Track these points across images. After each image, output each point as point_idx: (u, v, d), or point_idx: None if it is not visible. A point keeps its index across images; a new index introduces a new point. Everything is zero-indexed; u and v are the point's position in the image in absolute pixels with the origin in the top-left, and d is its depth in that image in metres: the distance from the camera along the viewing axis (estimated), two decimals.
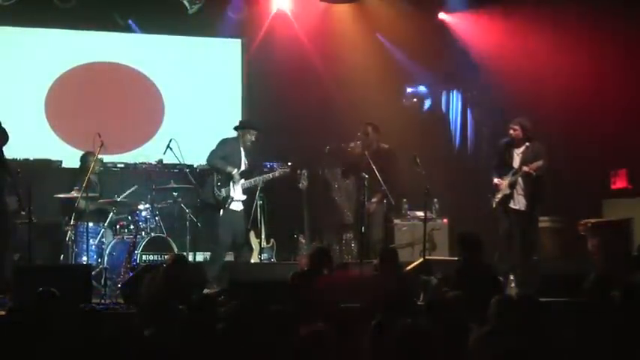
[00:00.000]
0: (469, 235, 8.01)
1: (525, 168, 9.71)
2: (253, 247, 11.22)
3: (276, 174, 10.29)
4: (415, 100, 12.35)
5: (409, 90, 12.12)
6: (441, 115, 12.46)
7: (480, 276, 7.35)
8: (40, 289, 5.98)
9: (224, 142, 10.16)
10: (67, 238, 10.14)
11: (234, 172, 9.98)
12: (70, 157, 11.51)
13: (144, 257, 9.95)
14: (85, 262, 9.93)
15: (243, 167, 10.11)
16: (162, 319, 5.55)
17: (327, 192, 12.05)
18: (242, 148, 10.12)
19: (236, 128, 10.27)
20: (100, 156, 10.44)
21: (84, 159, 10.79)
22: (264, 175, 10.22)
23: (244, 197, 10.12)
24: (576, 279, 6.94)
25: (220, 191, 9.98)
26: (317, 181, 11.87)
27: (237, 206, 10.10)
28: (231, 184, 9.98)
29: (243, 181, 10.05)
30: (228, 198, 9.97)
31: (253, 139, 10.11)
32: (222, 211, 10.01)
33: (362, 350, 4.80)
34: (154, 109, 12.41)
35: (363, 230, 10.45)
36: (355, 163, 10.92)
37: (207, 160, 10.22)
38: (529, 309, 5.42)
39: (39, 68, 12.15)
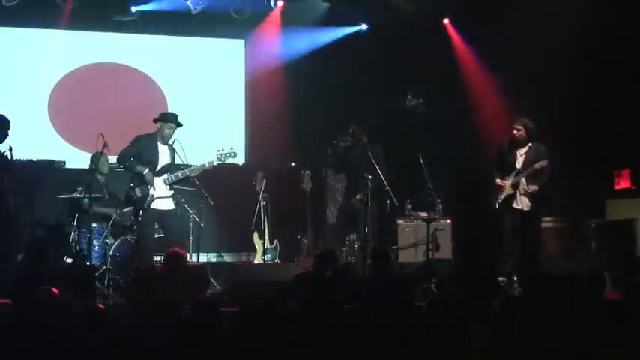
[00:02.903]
0: (466, 239, 8.08)
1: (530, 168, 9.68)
2: (257, 247, 11.24)
3: (215, 163, 9.77)
4: (419, 100, 12.34)
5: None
6: (444, 114, 12.44)
7: (478, 277, 7.38)
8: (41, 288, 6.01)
9: (137, 140, 9.76)
10: (71, 239, 10.15)
11: (144, 172, 9.57)
12: (74, 158, 11.54)
13: None
14: (88, 263, 9.94)
15: (164, 163, 9.71)
16: (163, 319, 5.57)
17: (329, 192, 12.07)
18: (160, 143, 9.75)
19: (154, 121, 9.89)
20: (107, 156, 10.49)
21: (93, 159, 10.79)
22: (194, 166, 9.69)
23: (171, 193, 9.69)
24: (578, 279, 6.95)
25: (134, 192, 9.62)
26: (320, 181, 11.87)
27: (162, 204, 9.64)
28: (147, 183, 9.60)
29: (166, 176, 9.64)
30: (145, 198, 9.56)
31: (172, 132, 9.72)
32: (141, 211, 9.60)
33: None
34: (158, 110, 12.35)
35: (366, 230, 10.48)
36: (345, 159, 11.08)
37: (117, 160, 9.90)
38: (531, 309, 5.42)
39: (42, 69, 12.18)
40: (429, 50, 12.36)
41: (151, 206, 9.59)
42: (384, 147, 11.16)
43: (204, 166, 9.68)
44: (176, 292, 6.31)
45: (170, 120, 9.79)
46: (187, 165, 9.82)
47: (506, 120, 10.33)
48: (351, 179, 11.48)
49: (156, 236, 9.86)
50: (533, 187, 9.66)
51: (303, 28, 12.75)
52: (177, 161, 9.92)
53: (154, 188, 9.62)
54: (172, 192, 9.69)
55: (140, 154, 9.69)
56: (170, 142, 9.76)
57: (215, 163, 9.75)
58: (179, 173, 9.66)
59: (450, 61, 12.67)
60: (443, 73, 12.45)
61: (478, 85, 12.56)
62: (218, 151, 9.78)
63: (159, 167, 9.70)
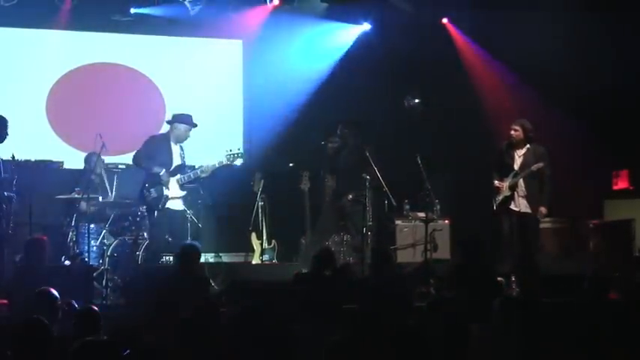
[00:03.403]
0: (470, 238, 8.08)
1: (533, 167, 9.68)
2: (255, 248, 11.23)
3: (225, 163, 9.76)
4: (417, 101, 12.34)
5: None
6: (442, 114, 12.44)
7: (479, 277, 7.38)
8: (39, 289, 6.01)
9: (150, 140, 9.83)
10: (69, 239, 10.13)
11: (161, 173, 9.60)
12: (72, 158, 11.52)
13: None
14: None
15: (176, 163, 9.75)
16: (163, 320, 5.56)
17: (327, 193, 12.05)
18: (173, 144, 9.79)
19: (168, 122, 9.94)
20: (101, 157, 10.47)
21: (87, 159, 10.79)
22: (205, 166, 9.74)
23: (183, 193, 9.73)
24: (577, 279, 6.96)
25: (150, 192, 9.62)
26: (318, 182, 11.86)
27: (175, 205, 9.70)
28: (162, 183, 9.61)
29: (179, 176, 9.68)
30: (160, 198, 9.60)
31: (188, 134, 9.79)
32: (156, 212, 9.62)
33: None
34: (156, 110, 12.39)
35: (364, 231, 10.47)
36: (334, 160, 11.10)
37: (133, 161, 9.95)
38: (530, 309, 5.42)
39: (40, 69, 12.16)
40: (428, 50, 12.35)
41: (165, 207, 9.64)
42: (383, 147, 11.15)
43: (214, 165, 9.71)
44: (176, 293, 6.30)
45: (183, 121, 9.81)
46: (191, 165, 9.86)
47: (506, 120, 10.32)
48: (341, 180, 11.45)
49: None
50: (543, 210, 9.70)
51: (302, 27, 12.72)
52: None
53: (168, 189, 9.64)
54: (185, 192, 9.70)
55: (155, 154, 9.73)
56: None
57: (225, 163, 9.78)
58: (191, 174, 9.69)
59: (449, 61, 12.65)
60: (442, 72, 12.43)
61: (477, 85, 12.55)
62: (227, 151, 9.82)
63: (172, 167, 9.75)
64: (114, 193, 10.65)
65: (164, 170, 9.63)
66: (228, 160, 9.78)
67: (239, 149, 9.90)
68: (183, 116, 9.93)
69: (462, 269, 7.64)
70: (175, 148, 9.80)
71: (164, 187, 9.63)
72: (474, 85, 12.51)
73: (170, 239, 9.69)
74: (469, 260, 7.69)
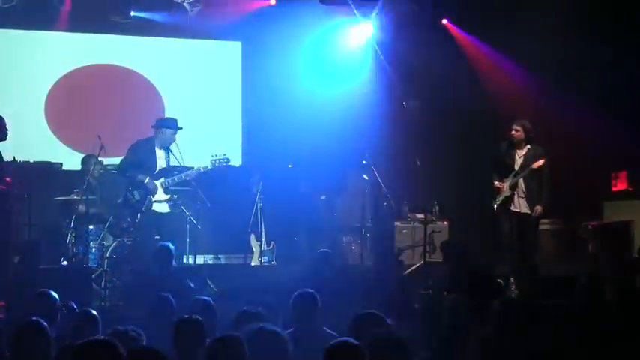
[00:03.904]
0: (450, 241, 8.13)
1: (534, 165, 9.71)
2: (254, 249, 11.22)
3: (210, 167, 9.70)
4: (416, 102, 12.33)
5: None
6: (441, 115, 12.44)
7: (470, 278, 7.39)
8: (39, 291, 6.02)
9: (133, 147, 9.81)
10: (68, 241, 10.13)
11: (145, 181, 9.57)
12: (71, 160, 11.52)
13: None
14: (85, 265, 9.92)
15: (160, 166, 9.72)
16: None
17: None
18: (157, 148, 9.77)
19: (153, 127, 9.92)
20: (100, 158, 10.47)
21: (85, 161, 10.79)
22: (189, 171, 9.70)
23: (167, 197, 9.69)
24: (576, 281, 6.95)
25: (133, 194, 9.61)
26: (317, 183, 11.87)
27: (160, 207, 9.69)
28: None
29: (163, 180, 9.63)
30: (143, 200, 9.58)
31: (174, 138, 9.75)
32: (139, 215, 9.64)
33: None
34: (155, 112, 12.37)
35: (363, 232, 10.48)
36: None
37: (119, 170, 9.98)
38: (529, 310, 5.42)
39: (39, 70, 12.16)
40: (428, 50, 12.35)
41: (150, 209, 9.60)
42: (383, 148, 11.16)
43: (199, 170, 9.70)
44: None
45: (169, 126, 9.81)
46: (183, 167, 9.82)
47: (506, 121, 10.32)
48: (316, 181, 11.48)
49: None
50: (539, 209, 9.71)
51: (301, 28, 12.70)
52: (173, 162, 9.88)
53: (154, 195, 9.63)
54: (169, 195, 9.69)
55: (139, 161, 9.71)
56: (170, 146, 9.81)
57: (209, 168, 9.76)
58: (175, 177, 9.66)
59: (449, 61, 12.64)
60: (442, 73, 12.43)
61: (477, 85, 12.54)
62: (212, 156, 9.80)
63: (156, 171, 9.71)
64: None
65: (148, 178, 9.61)
66: (212, 165, 9.77)
67: (224, 155, 9.85)
68: (168, 120, 9.95)
69: (450, 271, 7.66)
70: (160, 153, 9.78)
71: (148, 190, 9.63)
72: (474, 86, 12.51)
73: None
74: (453, 262, 7.71)
